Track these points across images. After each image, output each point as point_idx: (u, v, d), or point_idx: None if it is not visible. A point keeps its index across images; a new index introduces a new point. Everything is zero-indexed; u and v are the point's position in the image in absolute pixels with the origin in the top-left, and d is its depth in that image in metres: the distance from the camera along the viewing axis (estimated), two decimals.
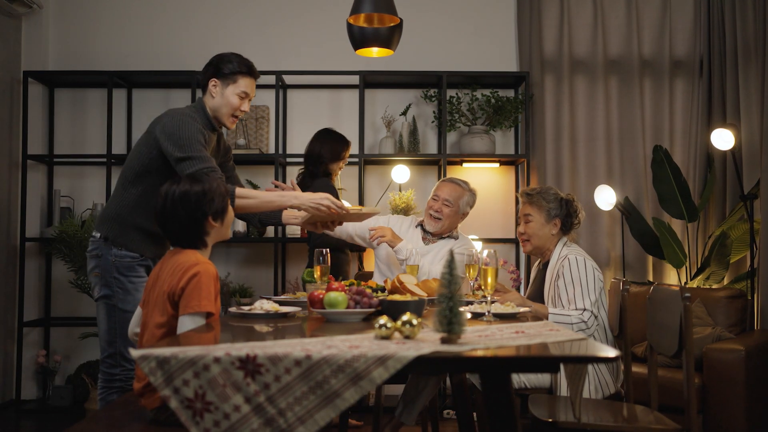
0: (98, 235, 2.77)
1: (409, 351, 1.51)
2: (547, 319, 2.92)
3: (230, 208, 2.36)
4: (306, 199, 2.81)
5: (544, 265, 3.24)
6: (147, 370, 1.51)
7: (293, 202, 2.83)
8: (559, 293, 3.03)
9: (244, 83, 2.89)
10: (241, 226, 4.70)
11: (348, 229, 3.63)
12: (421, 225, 3.70)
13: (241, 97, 2.89)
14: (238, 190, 2.75)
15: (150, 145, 2.74)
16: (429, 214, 3.61)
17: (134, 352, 1.53)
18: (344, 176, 4.89)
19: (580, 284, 2.98)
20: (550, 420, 2.35)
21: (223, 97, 2.87)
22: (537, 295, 3.20)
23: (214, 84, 2.87)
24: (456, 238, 3.69)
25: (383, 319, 1.71)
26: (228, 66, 2.87)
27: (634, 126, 4.87)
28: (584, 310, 2.95)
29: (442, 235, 3.66)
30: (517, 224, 3.30)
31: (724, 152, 4.70)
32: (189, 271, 2.14)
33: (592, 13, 4.92)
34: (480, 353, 1.57)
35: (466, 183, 3.69)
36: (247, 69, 2.91)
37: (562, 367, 2.32)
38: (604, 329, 3.05)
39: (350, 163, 4.91)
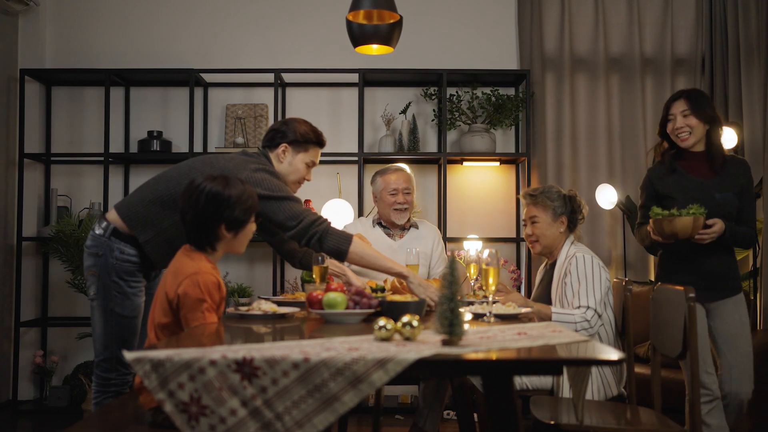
0: (100, 231, 2.66)
1: (409, 353, 1.48)
2: (550, 319, 2.90)
3: (252, 224, 2.31)
4: (416, 281, 2.67)
5: (551, 266, 3.22)
6: (141, 373, 1.47)
7: (399, 269, 2.70)
8: (566, 290, 3.01)
9: (313, 152, 2.90)
10: None
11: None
12: (379, 223, 3.66)
13: (309, 165, 2.90)
14: (358, 240, 2.71)
15: None
16: (394, 209, 3.56)
17: (128, 355, 1.49)
18: (343, 175, 4.86)
19: (586, 281, 2.97)
20: (552, 422, 2.32)
21: (292, 164, 2.86)
22: (544, 296, 3.17)
23: (284, 149, 2.85)
24: (417, 226, 3.67)
25: (383, 321, 1.68)
26: (300, 134, 2.85)
27: (636, 124, 4.84)
28: (588, 308, 2.92)
29: (404, 226, 3.64)
30: (524, 225, 3.27)
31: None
32: (187, 281, 2.11)
33: (593, 11, 4.88)
34: (482, 356, 1.54)
35: (403, 165, 3.74)
36: (318, 138, 2.91)
37: (564, 369, 2.28)
38: (611, 328, 3.02)
39: (349, 162, 4.88)
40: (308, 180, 2.94)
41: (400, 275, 2.69)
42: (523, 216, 3.28)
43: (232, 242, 2.27)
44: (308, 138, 2.87)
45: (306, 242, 2.68)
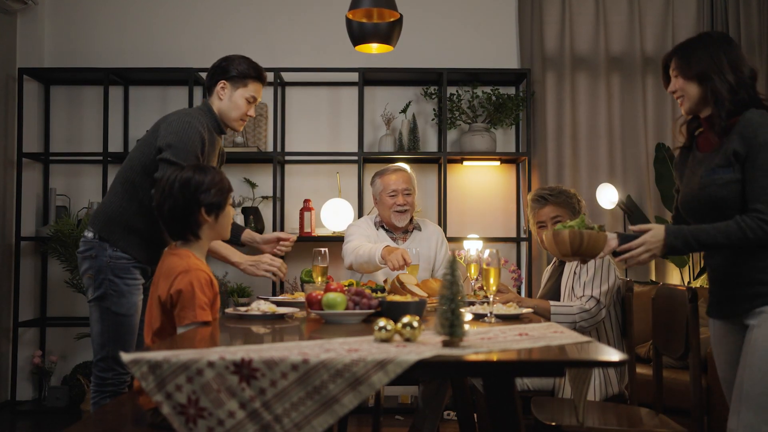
0: (90, 235, 2.70)
1: (409, 355, 1.46)
2: (549, 312, 2.90)
3: (229, 208, 2.31)
4: (246, 261, 2.83)
5: (561, 262, 3.19)
6: (138, 374, 1.46)
7: (234, 259, 2.84)
8: (575, 282, 3.01)
9: (253, 87, 2.86)
10: (240, 222, 4.64)
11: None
12: (381, 226, 3.56)
13: (249, 101, 2.86)
14: None
15: (153, 145, 2.67)
16: (394, 212, 3.45)
17: (125, 356, 1.48)
18: (343, 175, 4.84)
19: (595, 273, 2.98)
20: (553, 423, 2.31)
21: (231, 100, 2.83)
22: (552, 292, 3.16)
23: (223, 86, 2.83)
24: (420, 228, 3.56)
25: (383, 321, 1.66)
26: (238, 69, 2.83)
27: (637, 123, 4.82)
28: (591, 297, 2.92)
29: (407, 228, 3.54)
30: (540, 228, 3.16)
31: None
32: (179, 278, 2.09)
33: (594, 10, 4.87)
34: (483, 357, 1.52)
35: (404, 165, 3.66)
36: (257, 73, 2.87)
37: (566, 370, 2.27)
38: (619, 327, 3.02)
39: (349, 162, 4.86)
40: (251, 116, 2.89)
41: (235, 264, 2.82)
42: (537, 218, 3.14)
43: (215, 227, 2.27)
44: (247, 73, 2.84)
45: None
